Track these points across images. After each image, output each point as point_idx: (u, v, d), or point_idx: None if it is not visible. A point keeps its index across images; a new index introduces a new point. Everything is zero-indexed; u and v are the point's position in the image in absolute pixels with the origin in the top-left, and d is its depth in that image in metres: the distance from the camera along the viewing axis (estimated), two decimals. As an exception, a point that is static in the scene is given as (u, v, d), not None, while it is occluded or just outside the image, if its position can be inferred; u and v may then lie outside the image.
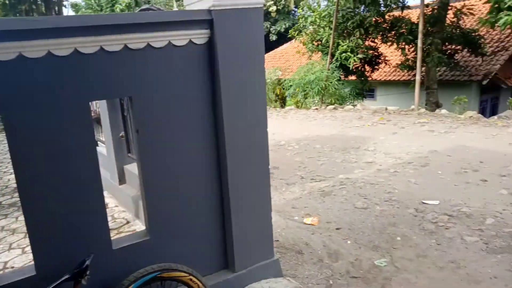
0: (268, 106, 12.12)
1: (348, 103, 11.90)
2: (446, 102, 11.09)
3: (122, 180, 4.01)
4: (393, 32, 12.39)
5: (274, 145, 6.77)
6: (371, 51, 13.01)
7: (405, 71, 13.15)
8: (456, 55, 12.44)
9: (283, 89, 12.47)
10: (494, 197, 3.94)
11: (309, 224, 3.68)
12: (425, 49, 11.15)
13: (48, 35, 1.77)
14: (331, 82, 11.22)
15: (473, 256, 2.98)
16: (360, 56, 11.95)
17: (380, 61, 13.64)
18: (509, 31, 12.31)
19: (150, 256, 2.19)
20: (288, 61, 21.06)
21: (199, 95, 2.28)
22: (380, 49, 13.69)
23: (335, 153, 6.10)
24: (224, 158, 2.38)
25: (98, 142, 4.69)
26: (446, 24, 11.40)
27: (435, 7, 11.39)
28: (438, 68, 12.22)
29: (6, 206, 4.24)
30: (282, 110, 11.18)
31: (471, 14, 11.64)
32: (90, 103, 2.22)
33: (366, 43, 12.81)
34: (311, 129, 8.04)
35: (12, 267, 2.93)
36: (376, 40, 13.15)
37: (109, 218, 3.69)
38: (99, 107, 4.21)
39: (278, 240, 3.35)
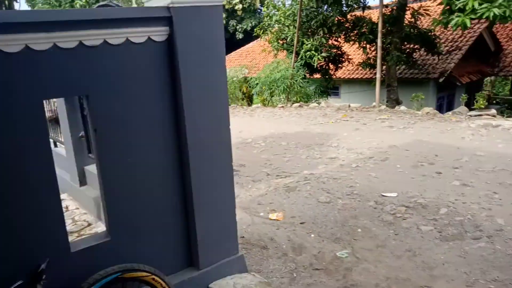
0: (235, 104, 12.14)
1: (313, 101, 12.13)
2: (406, 99, 11.56)
3: (82, 181, 3.90)
4: (355, 32, 12.74)
5: (240, 143, 6.80)
6: (334, 50, 13.31)
7: (367, 69, 13.57)
8: (414, 54, 12.98)
9: (250, 87, 12.50)
10: (448, 188, 4.17)
11: (274, 220, 3.74)
12: (385, 48, 11.57)
13: (-5, 31, 1.70)
14: (296, 80, 11.39)
15: (427, 244, 3.15)
16: (324, 54, 12.20)
17: (343, 59, 13.99)
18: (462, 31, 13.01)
19: (112, 257, 2.15)
20: (254, 59, 21.13)
21: (159, 93, 2.27)
22: (343, 48, 14.04)
23: (300, 149, 6.21)
24: (186, 156, 2.38)
25: (57, 143, 4.52)
26: (404, 24, 11.86)
27: (394, 7, 11.85)
28: (398, 67, 12.71)
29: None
30: (249, 108, 11.23)
31: (428, 14, 12.18)
32: (46, 102, 2.15)
33: (330, 42, 13.09)
34: (277, 126, 8.14)
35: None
36: (339, 39, 13.48)
37: (69, 221, 3.59)
38: (58, 106, 4.06)
39: (243, 237, 3.38)
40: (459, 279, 2.67)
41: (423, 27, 12.43)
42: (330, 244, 3.26)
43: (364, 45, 12.60)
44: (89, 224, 3.50)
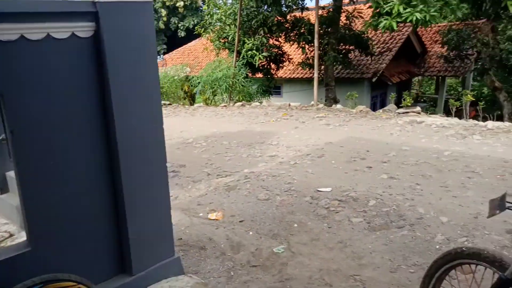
0: (177, 103, 11.90)
1: (255, 100, 12.29)
2: (344, 98, 12.17)
3: (4, 188, 3.60)
4: (294, 32, 13.13)
5: (181, 143, 6.70)
6: (275, 50, 13.60)
7: (307, 69, 14.04)
8: (350, 54, 13.68)
9: (192, 86, 12.34)
10: (377, 182, 4.46)
11: (214, 220, 3.74)
12: (322, 48, 12.05)
13: None
14: (238, 80, 11.46)
15: (357, 235, 3.35)
16: (265, 54, 12.40)
17: (284, 59, 14.34)
18: (393, 33, 13.94)
19: (34, 268, 2.01)
20: (197, 58, 20.88)
21: (85, 91, 2.16)
22: (284, 48, 14.39)
23: (242, 148, 6.27)
24: (116, 158, 2.29)
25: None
26: (340, 26, 12.45)
27: (330, 9, 12.38)
28: (335, 67, 13.30)
29: None
30: (191, 107, 11.08)
31: (361, 17, 12.89)
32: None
33: (271, 41, 13.34)
34: (219, 126, 8.13)
35: None
36: (280, 39, 13.79)
37: (-12, 233, 3.29)
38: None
39: (181, 238, 3.34)
40: (384, 266, 2.87)
41: (357, 29, 13.13)
42: (268, 240, 3.34)
43: (303, 45, 13.02)
44: (11, 235, 3.24)
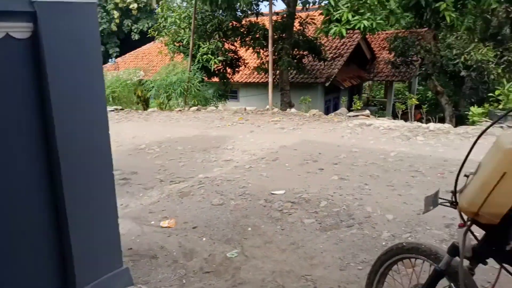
0: (129, 108, 11.54)
1: (211, 104, 12.22)
2: (299, 102, 12.44)
3: None
4: (249, 37, 13.25)
5: (133, 149, 6.49)
6: (231, 54, 13.63)
7: (262, 73, 14.21)
8: (304, 59, 14.04)
9: (146, 90, 12.04)
10: (328, 183, 4.60)
11: (166, 227, 3.66)
12: (277, 53, 12.26)
13: None
14: (193, 84, 11.34)
15: (309, 235, 3.42)
16: (220, 58, 12.39)
17: (240, 63, 14.42)
18: (344, 39, 14.49)
19: (-38, 289, 1.86)
20: (151, 62, 20.43)
21: (21, 96, 2.03)
22: (240, 52, 14.47)
23: (196, 153, 6.20)
24: (57, 167, 2.17)
25: None
26: (294, 32, 12.74)
27: (284, 15, 12.64)
28: (290, 71, 13.58)
29: None
30: (145, 112, 10.79)
31: (314, 23, 13.29)
32: None
33: (226, 46, 13.37)
34: (174, 131, 7.99)
35: None
36: (235, 44, 13.85)
37: None
38: None
39: (131, 248, 3.23)
40: (334, 265, 2.96)
41: (310, 35, 13.51)
42: (222, 245, 3.32)
43: (258, 50, 13.17)
44: None
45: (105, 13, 28.72)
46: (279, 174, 4.98)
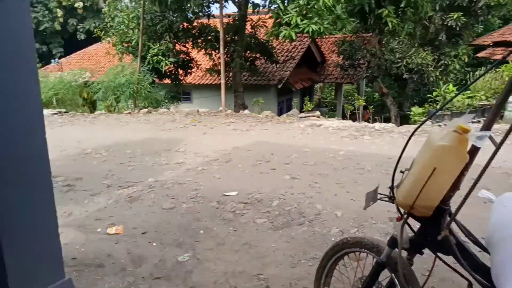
0: (74, 111, 10.96)
1: (163, 106, 11.94)
2: (252, 104, 12.52)
3: None
4: (201, 38, 13.12)
5: (78, 154, 6.16)
6: (182, 55, 13.41)
7: (215, 75, 14.13)
8: (256, 62, 14.16)
9: (92, 92, 11.49)
10: (280, 182, 4.66)
11: (114, 234, 3.50)
12: (229, 55, 12.26)
13: None
14: (143, 85, 11.02)
15: (261, 235, 3.44)
16: (171, 60, 12.14)
17: (192, 65, 14.23)
18: (295, 43, 14.82)
19: None
20: (99, 63, 19.59)
21: None
22: (192, 54, 14.28)
23: (147, 157, 6.02)
24: (-14, 174, 2.00)
25: None
26: (246, 34, 12.81)
27: (236, 18, 12.67)
28: (243, 73, 13.63)
29: None
30: (91, 115, 10.30)
31: (265, 26, 13.45)
32: None
33: (177, 47, 13.13)
34: (123, 134, 7.70)
35: None
36: (187, 45, 13.65)
37: None
38: None
39: (75, 258, 3.06)
40: (286, 263, 3.00)
41: (262, 38, 13.66)
42: (173, 250, 3.24)
43: (210, 52, 13.08)
44: None
45: (47, 11, 27.11)
46: (232, 175, 4.97)
